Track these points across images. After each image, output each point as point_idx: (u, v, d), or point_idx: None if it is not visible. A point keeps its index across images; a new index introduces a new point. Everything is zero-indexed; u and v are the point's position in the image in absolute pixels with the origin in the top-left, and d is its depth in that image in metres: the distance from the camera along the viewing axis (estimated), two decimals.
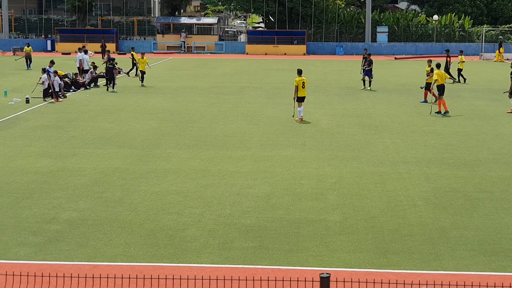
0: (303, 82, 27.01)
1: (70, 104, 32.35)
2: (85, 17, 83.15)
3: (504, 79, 42.56)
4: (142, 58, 40.75)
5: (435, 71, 30.79)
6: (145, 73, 40.47)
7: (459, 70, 43.58)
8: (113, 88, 37.63)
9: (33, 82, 40.83)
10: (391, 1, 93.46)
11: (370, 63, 38.85)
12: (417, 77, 45.68)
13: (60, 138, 23.50)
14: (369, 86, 38.99)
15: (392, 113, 29.78)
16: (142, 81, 40.12)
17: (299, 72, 27.25)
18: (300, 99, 27.14)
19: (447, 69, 42.41)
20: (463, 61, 43.97)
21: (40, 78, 33.93)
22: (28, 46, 53.06)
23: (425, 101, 33.06)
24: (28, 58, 51.39)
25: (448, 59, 43.58)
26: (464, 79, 43.58)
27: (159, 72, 49.09)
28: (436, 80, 29.97)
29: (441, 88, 29.81)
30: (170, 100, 33.88)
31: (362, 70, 43.04)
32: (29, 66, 50.99)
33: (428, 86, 32.82)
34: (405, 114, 29.64)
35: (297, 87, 26.87)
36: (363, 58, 43.70)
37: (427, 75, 33.06)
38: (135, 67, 45.07)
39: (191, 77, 45.97)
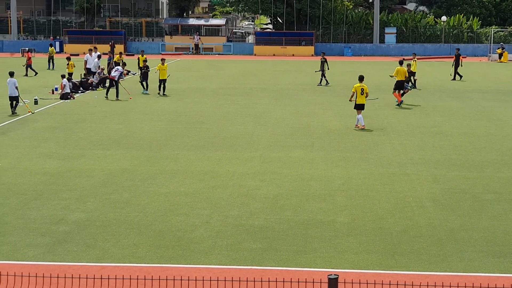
0: (362, 88, 25.75)
1: (78, 105, 32.41)
2: (94, 18, 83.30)
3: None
4: (163, 64, 36.81)
5: (397, 67, 32.73)
6: (165, 81, 36.59)
7: (413, 74, 39.99)
8: (163, 92, 36.56)
9: (42, 84, 40.96)
10: (399, 2, 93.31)
11: (412, 74, 33.66)
12: (425, 77, 45.61)
13: (68, 139, 23.55)
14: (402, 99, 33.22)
15: (400, 114, 29.73)
16: (163, 91, 36.60)
17: (360, 79, 26.25)
18: (359, 107, 25.90)
19: (457, 67, 45.46)
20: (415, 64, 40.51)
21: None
22: (51, 47, 54.95)
23: None
24: (51, 59, 52.99)
25: (461, 57, 46.20)
26: (414, 84, 40.04)
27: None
28: (394, 76, 32.40)
29: (399, 84, 32.14)
30: (178, 101, 33.91)
31: (322, 74, 41.81)
32: (53, 67, 52.43)
33: None
34: (413, 115, 29.59)
35: (354, 93, 25.85)
36: (321, 61, 42.36)
37: None
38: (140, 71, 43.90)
39: (199, 78, 45.99)
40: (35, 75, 46.69)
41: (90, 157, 20.71)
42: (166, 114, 29.35)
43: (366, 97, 26.02)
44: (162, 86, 36.77)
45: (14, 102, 29.12)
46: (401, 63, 33.21)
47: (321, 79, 42.12)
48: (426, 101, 34.19)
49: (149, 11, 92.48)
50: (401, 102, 32.18)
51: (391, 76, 33.46)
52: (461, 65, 46.05)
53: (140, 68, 43.59)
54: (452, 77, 45.59)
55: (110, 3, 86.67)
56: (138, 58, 44.56)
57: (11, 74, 29.56)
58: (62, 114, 29.50)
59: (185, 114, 29.53)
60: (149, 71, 37.82)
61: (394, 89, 32.60)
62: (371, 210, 15.30)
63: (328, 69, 42.82)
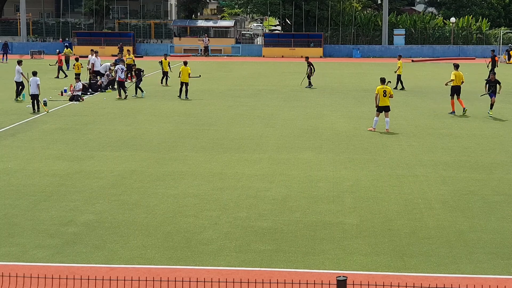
0: (385, 90, 25.42)
1: (87, 107, 32.49)
2: (102, 20, 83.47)
3: None
4: (185, 66, 36.08)
5: (453, 71, 30.92)
6: (187, 84, 35.67)
7: (399, 77, 40.00)
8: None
9: (52, 85, 41.08)
10: (408, 3, 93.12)
11: (497, 82, 30.11)
12: (434, 80, 45.50)
13: (77, 141, 23.61)
14: (491, 109, 30.10)
15: (409, 116, 29.67)
16: (186, 94, 35.56)
17: (382, 81, 25.96)
18: (381, 109, 25.52)
19: (493, 68, 45.31)
20: (399, 66, 39.85)
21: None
22: (67, 48, 55.94)
23: None
24: (68, 60, 53.68)
25: (496, 58, 47.12)
26: (402, 87, 39.96)
27: (175, 74, 49.10)
28: (452, 80, 30.42)
29: (456, 90, 30.32)
30: (186, 103, 33.94)
31: (307, 78, 40.73)
32: (67, 68, 52.79)
33: None
34: (421, 116, 29.53)
35: (377, 95, 25.48)
36: (308, 66, 41.11)
37: None
38: (165, 75, 42.35)
39: (208, 80, 45.98)
40: (56, 76, 46.92)
41: (99, 159, 20.75)
42: (174, 116, 29.39)
43: (390, 97, 25.56)
44: (184, 89, 35.67)
45: (35, 100, 29.83)
46: (457, 67, 31.20)
47: (309, 81, 41.21)
48: (435, 102, 34.11)
49: (158, 13, 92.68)
50: (464, 109, 30.02)
51: (447, 84, 31.30)
52: (497, 66, 46.63)
53: (164, 72, 42.70)
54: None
55: (119, 5, 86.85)
56: (161, 62, 43.20)
57: (34, 74, 30.49)
58: (71, 115, 29.58)
59: (194, 115, 29.57)
60: (142, 74, 36.82)
61: (451, 95, 30.53)
62: (379, 212, 15.28)
63: (314, 70, 41.59)
